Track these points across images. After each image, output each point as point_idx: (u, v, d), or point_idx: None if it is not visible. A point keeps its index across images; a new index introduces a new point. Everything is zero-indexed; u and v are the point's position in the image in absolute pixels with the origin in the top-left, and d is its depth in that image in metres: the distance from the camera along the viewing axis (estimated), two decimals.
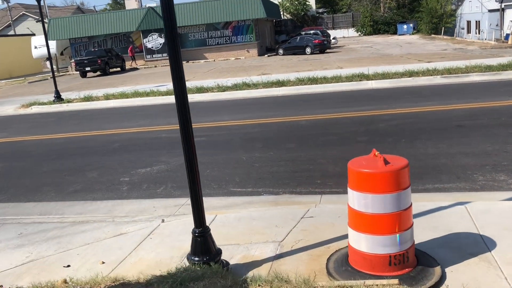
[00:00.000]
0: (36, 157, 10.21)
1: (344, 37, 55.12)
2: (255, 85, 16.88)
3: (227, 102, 14.95)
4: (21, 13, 53.37)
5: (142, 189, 7.32)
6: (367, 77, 16.36)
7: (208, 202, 6.44)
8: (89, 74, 32.22)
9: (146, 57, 37.07)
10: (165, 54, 36.77)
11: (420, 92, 13.59)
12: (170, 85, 20.06)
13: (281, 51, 35.85)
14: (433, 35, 47.01)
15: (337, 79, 16.62)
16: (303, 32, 40.71)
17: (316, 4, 59.75)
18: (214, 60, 36.45)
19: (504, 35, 42.36)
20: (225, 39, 37.53)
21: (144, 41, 36.90)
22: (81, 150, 10.40)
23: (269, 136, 10.03)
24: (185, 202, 6.53)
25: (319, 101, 13.92)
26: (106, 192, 7.33)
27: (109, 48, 35.91)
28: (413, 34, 51.09)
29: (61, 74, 37.60)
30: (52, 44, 37.97)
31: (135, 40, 38.00)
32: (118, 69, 34.36)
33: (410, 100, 12.59)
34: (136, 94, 17.71)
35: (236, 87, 16.97)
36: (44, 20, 47.89)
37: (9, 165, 9.76)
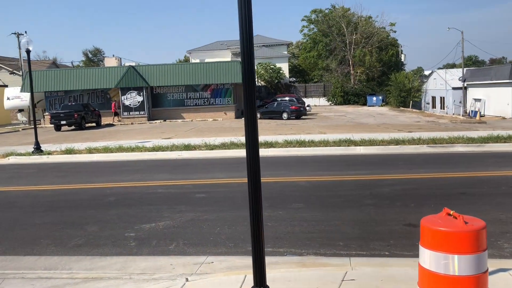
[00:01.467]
0: (25, 208, 9.55)
1: (315, 105, 56.80)
2: (244, 145, 16.79)
3: (218, 160, 14.76)
4: None
5: (152, 245, 6.87)
6: (354, 143, 16.63)
7: (230, 261, 6.12)
8: (63, 128, 31.49)
9: (123, 114, 36.81)
10: (142, 112, 36.64)
11: (412, 160, 13.84)
12: (155, 141, 19.78)
13: (258, 115, 36.22)
14: (401, 108, 49.16)
15: (325, 143, 16.83)
16: (279, 99, 41.68)
17: (289, 73, 61.93)
18: (192, 120, 36.53)
19: (468, 111, 44.77)
20: (204, 100, 37.95)
21: (122, 98, 36.78)
22: (73, 203, 9.83)
23: (272, 195, 9.82)
24: (204, 261, 6.16)
25: (312, 164, 13.93)
26: (113, 247, 6.83)
27: (86, 103, 35.53)
28: (382, 106, 53.27)
29: (33, 126, 36.54)
30: (26, 96, 37.33)
31: (113, 97, 37.86)
32: (94, 124, 33.86)
33: (404, 167, 12.77)
34: (121, 149, 17.27)
35: (224, 146, 16.87)
36: (18, 73, 47.14)
37: None
